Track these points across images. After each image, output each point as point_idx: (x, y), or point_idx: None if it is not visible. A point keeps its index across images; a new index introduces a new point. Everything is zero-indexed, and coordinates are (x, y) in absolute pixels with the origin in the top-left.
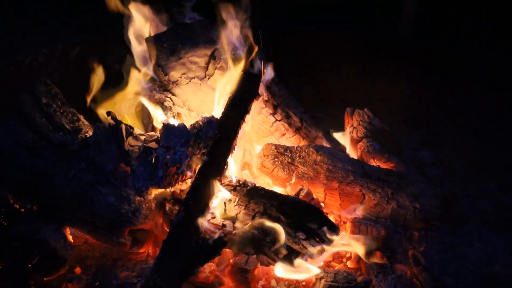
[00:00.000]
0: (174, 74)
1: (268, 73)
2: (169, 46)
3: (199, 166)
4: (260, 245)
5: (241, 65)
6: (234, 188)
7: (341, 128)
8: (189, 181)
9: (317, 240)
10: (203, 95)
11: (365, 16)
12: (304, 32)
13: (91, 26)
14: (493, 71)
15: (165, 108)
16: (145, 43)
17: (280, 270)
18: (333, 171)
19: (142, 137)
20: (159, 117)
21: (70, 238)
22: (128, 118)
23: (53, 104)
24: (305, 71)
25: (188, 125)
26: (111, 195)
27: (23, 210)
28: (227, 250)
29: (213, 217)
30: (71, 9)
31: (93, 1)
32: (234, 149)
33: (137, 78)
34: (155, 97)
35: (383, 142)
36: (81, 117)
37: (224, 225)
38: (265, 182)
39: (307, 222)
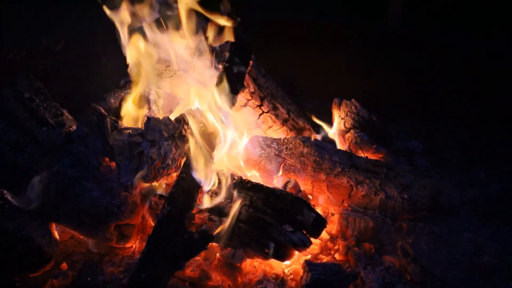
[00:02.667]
0: (159, 67)
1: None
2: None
3: (184, 159)
4: (247, 238)
5: (225, 58)
6: (220, 181)
7: (329, 119)
8: (174, 175)
9: (304, 232)
10: (188, 87)
11: (354, 5)
12: (293, 22)
13: (75, 19)
14: (483, 61)
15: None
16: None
17: None
18: (320, 163)
19: (127, 131)
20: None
21: (56, 234)
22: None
23: (36, 99)
24: (293, 61)
25: (173, 118)
26: (96, 190)
27: (7, 206)
28: (214, 244)
29: (199, 211)
30: (54, 1)
31: None
32: (220, 142)
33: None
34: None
35: (371, 132)
36: (65, 112)
37: (210, 219)
38: (252, 175)
39: (294, 214)
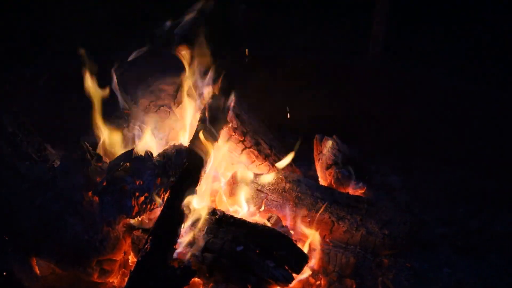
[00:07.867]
0: (143, 102)
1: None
2: (137, 74)
3: (167, 194)
4: (229, 274)
5: (209, 93)
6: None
7: (310, 155)
8: (158, 210)
9: (286, 268)
10: (172, 122)
11: (335, 41)
12: (274, 57)
13: (60, 52)
14: (461, 97)
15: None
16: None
17: None
18: (302, 198)
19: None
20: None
21: (37, 268)
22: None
23: (19, 134)
24: (275, 97)
25: (157, 154)
26: (78, 225)
27: None
28: (196, 279)
29: (182, 246)
30: (38, 34)
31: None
32: (202, 177)
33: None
34: (124, 125)
35: (352, 168)
36: (48, 147)
37: (193, 254)
38: (235, 210)
39: (276, 250)
